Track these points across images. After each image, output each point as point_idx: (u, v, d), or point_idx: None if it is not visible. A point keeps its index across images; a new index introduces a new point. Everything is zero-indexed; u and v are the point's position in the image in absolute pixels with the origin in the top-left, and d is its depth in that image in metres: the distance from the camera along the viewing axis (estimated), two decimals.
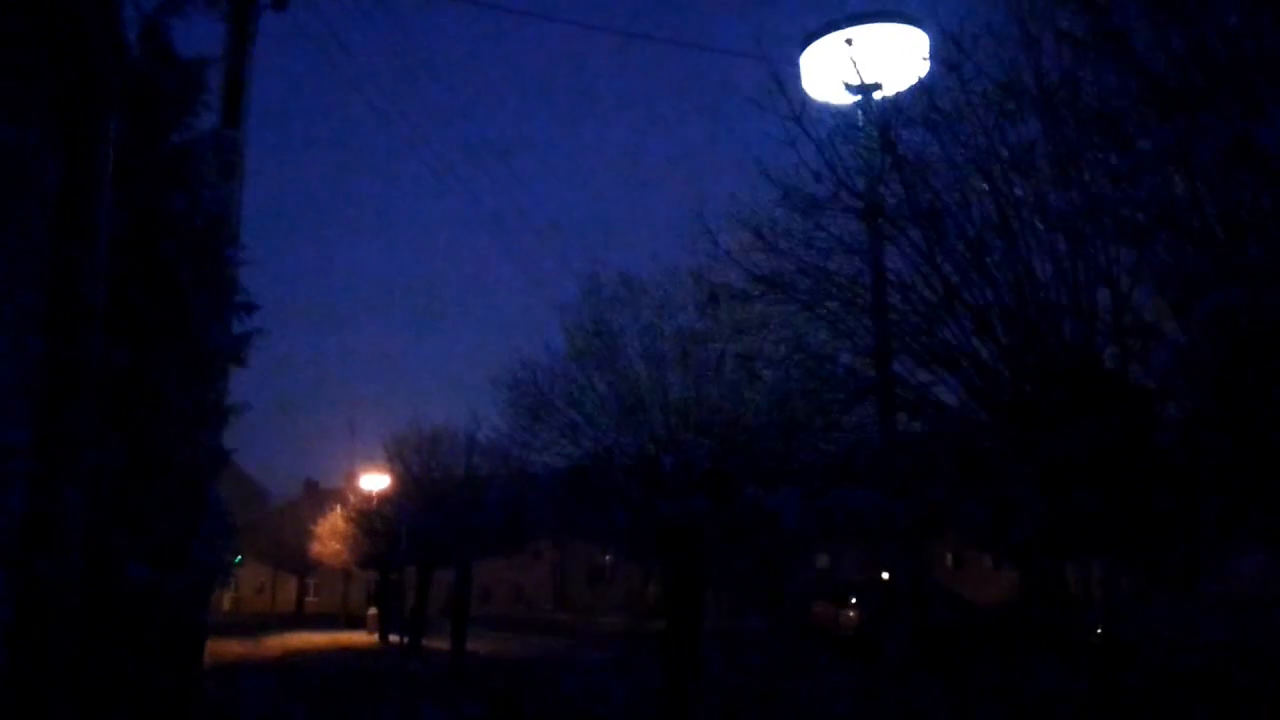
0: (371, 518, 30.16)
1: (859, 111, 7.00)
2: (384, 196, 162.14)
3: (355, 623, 40.44)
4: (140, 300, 7.48)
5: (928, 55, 7.04)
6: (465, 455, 22.25)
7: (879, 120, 6.48)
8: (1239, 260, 4.42)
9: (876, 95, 7.09)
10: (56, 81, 5.69)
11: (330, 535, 37.09)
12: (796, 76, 7.72)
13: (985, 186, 5.64)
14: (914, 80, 6.69)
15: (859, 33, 7.50)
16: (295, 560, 48.36)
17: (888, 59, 7.13)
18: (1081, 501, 6.00)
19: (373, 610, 37.43)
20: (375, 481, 30.73)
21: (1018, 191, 5.54)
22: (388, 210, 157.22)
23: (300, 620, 47.51)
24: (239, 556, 36.88)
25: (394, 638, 31.32)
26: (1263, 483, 4.90)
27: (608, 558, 48.98)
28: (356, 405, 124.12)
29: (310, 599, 56.93)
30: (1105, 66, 5.19)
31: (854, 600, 24.16)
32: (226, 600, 58.60)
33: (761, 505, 10.39)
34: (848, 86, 7.24)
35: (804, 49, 7.92)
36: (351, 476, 36.04)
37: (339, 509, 36.44)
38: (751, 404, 10.02)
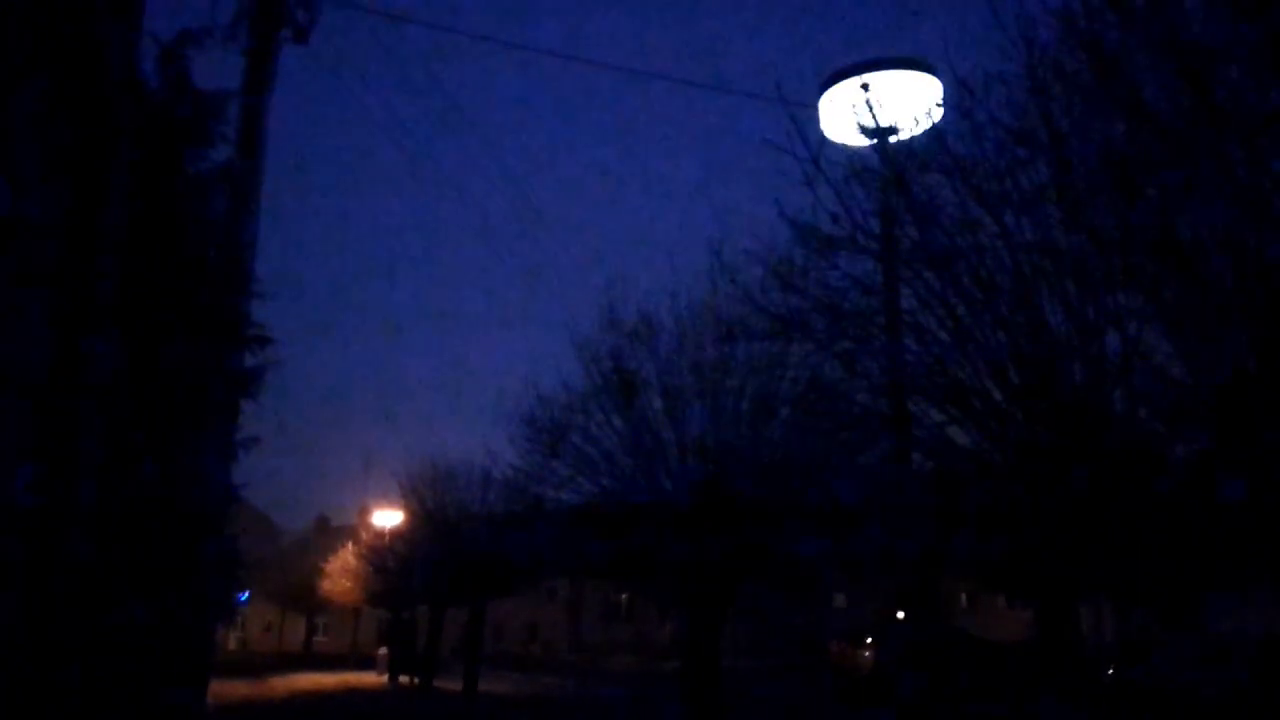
0: (384, 555, 30.08)
1: (875, 154, 7.18)
2: (401, 229, 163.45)
3: (365, 663, 40.19)
4: (151, 330, 7.57)
5: (941, 101, 7.23)
6: (481, 491, 22.25)
7: (894, 163, 6.63)
8: (1245, 305, 4.54)
9: (891, 139, 7.27)
10: (70, 109, 5.81)
11: (341, 573, 36.99)
12: (814, 119, 7.91)
13: (997, 230, 5.77)
14: (928, 125, 6.86)
15: (875, 78, 7.71)
16: (304, 598, 48.11)
17: (902, 103, 7.32)
18: (1092, 541, 6.07)
19: (383, 650, 37.19)
20: (388, 518, 30.70)
21: (1028, 235, 5.68)
22: (405, 243, 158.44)
23: (308, 660, 47.15)
24: (246, 593, 36.82)
25: (405, 678, 31.17)
26: (1270, 524, 4.98)
27: (624, 596, 48.70)
28: (371, 440, 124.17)
29: (319, 638, 56.55)
30: (1113, 114, 5.35)
31: (870, 640, 24.02)
32: (232, 640, 58.26)
33: (778, 544, 10.45)
34: (864, 130, 7.43)
35: (822, 92, 8.14)
36: (364, 512, 36.03)
37: (350, 545, 36.37)
38: (769, 441, 10.10)
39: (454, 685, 24.45)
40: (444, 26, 71.40)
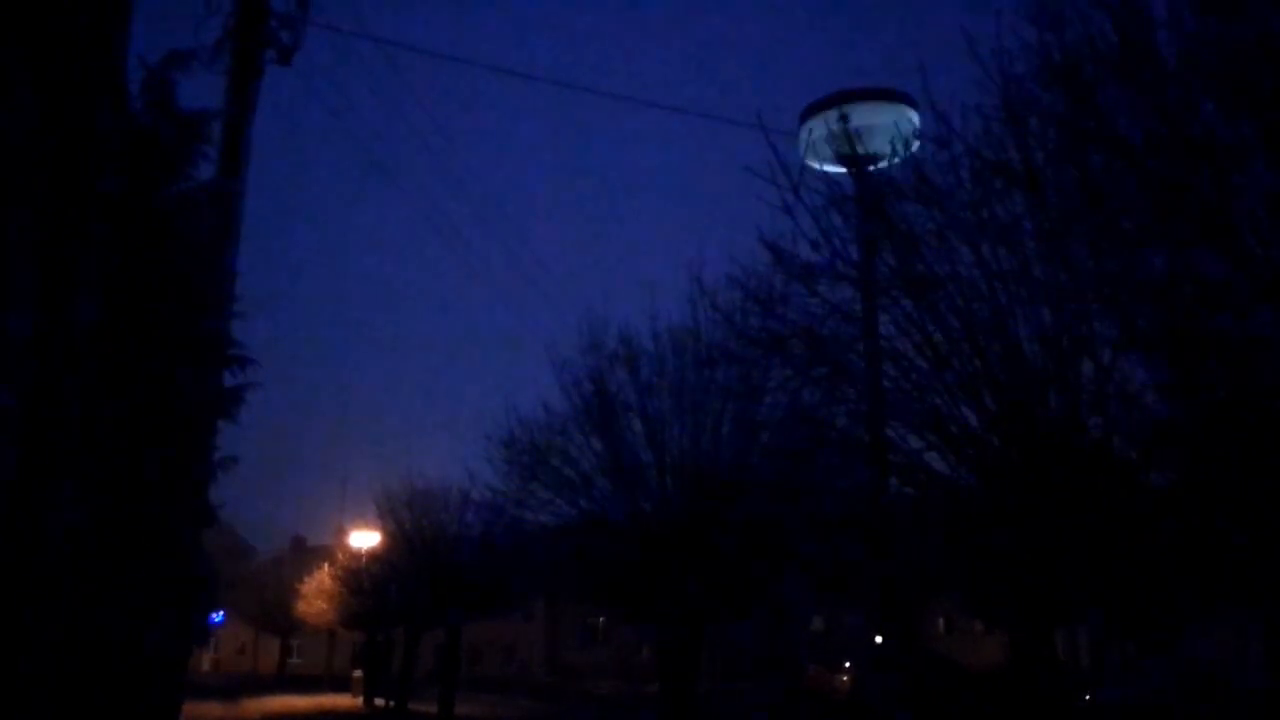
0: (360, 576, 29.87)
1: (854, 183, 7.25)
2: (381, 250, 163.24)
3: (339, 685, 39.82)
4: (129, 351, 7.54)
5: (919, 131, 7.33)
6: (458, 512, 22.16)
7: (873, 192, 6.71)
8: (1216, 334, 4.62)
9: (870, 167, 7.35)
10: (55, 129, 5.81)
11: (316, 594, 36.69)
12: (795, 147, 7.98)
13: (974, 259, 5.84)
14: (906, 154, 6.94)
15: (854, 108, 7.79)
16: (279, 619, 47.67)
17: (881, 133, 7.40)
18: (1067, 568, 6.12)
19: (357, 672, 36.84)
20: (365, 539, 30.48)
21: (1005, 264, 5.75)
22: (385, 264, 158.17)
23: (282, 682, 46.72)
24: (220, 614, 36.46)
25: (379, 701, 30.87)
26: (1241, 551, 5.04)
27: (601, 619, 48.47)
28: (348, 461, 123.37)
29: (293, 660, 55.97)
30: (1088, 147, 5.44)
31: (848, 664, 24.03)
32: (206, 661, 57.65)
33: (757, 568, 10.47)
34: (842, 158, 7.50)
35: (802, 121, 8.22)
36: (341, 533, 35.79)
37: (326, 567, 36.09)
38: (748, 465, 10.13)
39: (429, 708, 24.25)
40: (430, 51, 71.56)
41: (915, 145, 6.99)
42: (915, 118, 7.51)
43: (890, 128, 7.27)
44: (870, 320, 6.40)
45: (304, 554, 52.03)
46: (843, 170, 7.58)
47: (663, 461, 10.65)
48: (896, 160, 6.94)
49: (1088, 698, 16.84)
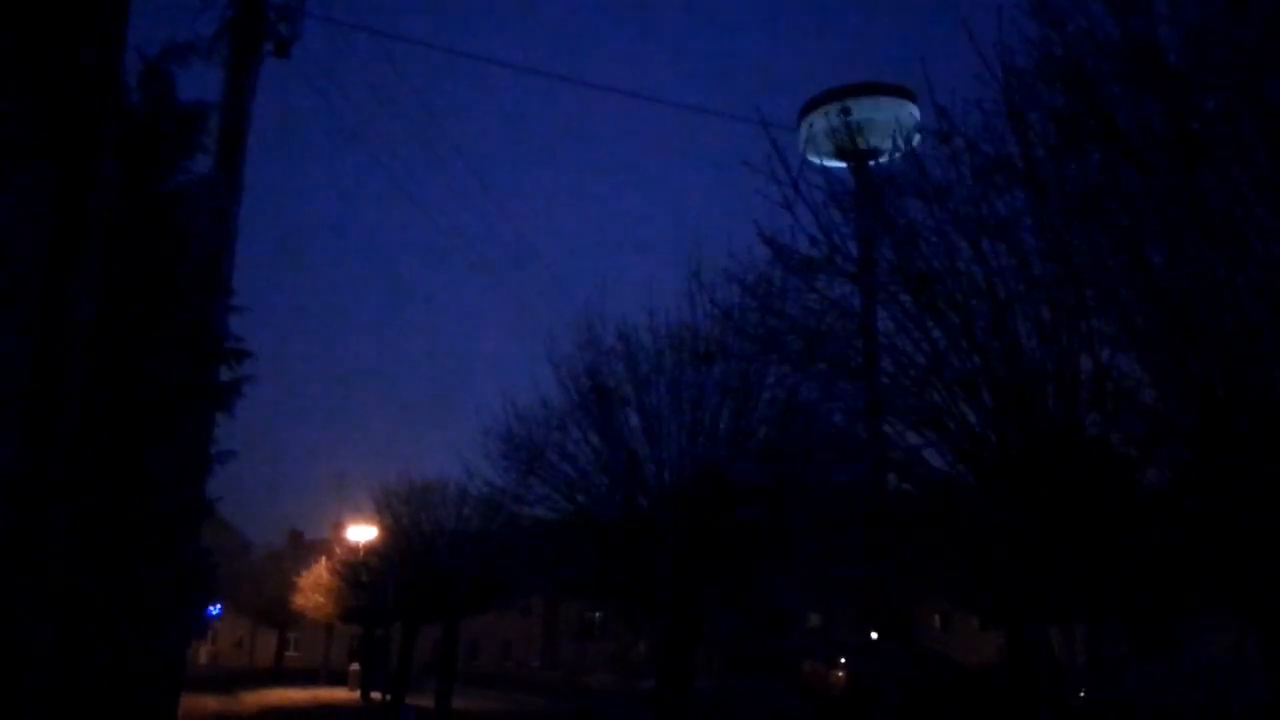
0: (357, 570, 29.87)
1: (853, 178, 7.24)
2: (379, 244, 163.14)
3: (337, 679, 39.85)
4: (125, 345, 7.52)
5: (919, 126, 7.31)
6: (456, 507, 22.17)
7: (872, 187, 6.69)
8: (1214, 330, 4.61)
9: (870, 162, 7.34)
10: (51, 124, 5.80)
11: (314, 588, 36.73)
12: (794, 141, 7.98)
13: (973, 255, 5.82)
14: (906, 150, 6.93)
15: (855, 102, 7.78)
16: (276, 613, 47.68)
17: (882, 128, 7.39)
18: (1065, 566, 6.12)
19: (355, 666, 36.89)
20: (362, 533, 30.49)
21: (1004, 260, 5.73)
22: (383, 258, 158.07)
23: (280, 675, 46.73)
24: (218, 607, 36.47)
25: (376, 695, 30.89)
26: (1240, 550, 5.03)
27: (598, 614, 48.54)
28: (346, 455, 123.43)
29: (291, 654, 56.02)
30: (1088, 142, 5.42)
31: (844, 660, 24.02)
32: (203, 654, 57.77)
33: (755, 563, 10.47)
34: (842, 153, 7.49)
35: (803, 115, 8.21)
36: (338, 527, 35.82)
37: (324, 561, 36.12)
38: (746, 461, 10.12)
39: (427, 702, 24.26)
40: (429, 43, 71.42)
41: (915, 140, 6.98)
42: (915, 112, 7.50)
43: (890, 122, 7.26)
44: (869, 316, 6.39)
45: (301, 548, 52.04)
46: (842, 165, 7.57)
47: (660, 457, 10.64)
48: (896, 155, 6.92)
49: (1083, 695, 16.84)
